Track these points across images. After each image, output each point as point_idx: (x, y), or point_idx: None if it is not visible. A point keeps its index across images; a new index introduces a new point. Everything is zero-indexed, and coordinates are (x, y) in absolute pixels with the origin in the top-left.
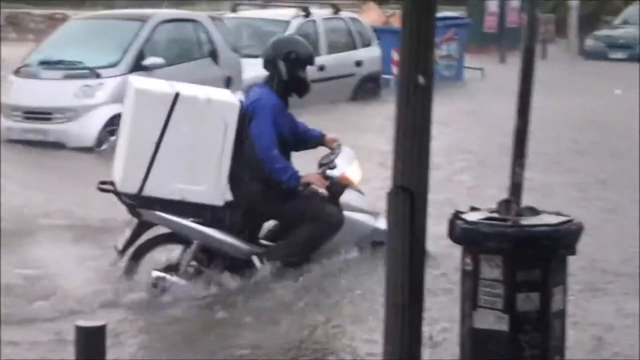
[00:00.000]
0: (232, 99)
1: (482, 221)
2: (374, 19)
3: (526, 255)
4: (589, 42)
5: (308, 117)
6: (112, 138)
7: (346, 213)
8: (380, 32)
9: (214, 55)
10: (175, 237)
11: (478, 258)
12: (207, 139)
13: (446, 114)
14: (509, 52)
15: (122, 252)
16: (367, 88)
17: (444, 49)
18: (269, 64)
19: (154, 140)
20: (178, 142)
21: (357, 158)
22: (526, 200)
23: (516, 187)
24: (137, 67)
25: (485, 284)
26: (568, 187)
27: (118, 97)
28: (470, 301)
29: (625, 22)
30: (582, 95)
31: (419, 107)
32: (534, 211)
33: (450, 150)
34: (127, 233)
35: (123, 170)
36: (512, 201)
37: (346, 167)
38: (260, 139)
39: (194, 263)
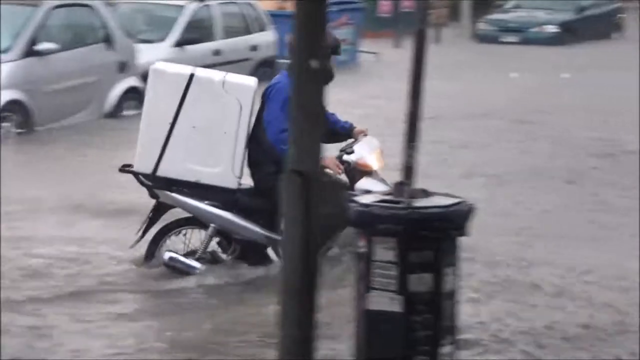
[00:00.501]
0: (248, 80)
1: (375, 204)
2: (269, 3)
3: (418, 237)
4: (482, 26)
5: None
6: (5, 124)
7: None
8: (275, 17)
9: (108, 40)
10: (194, 220)
11: (371, 240)
12: (222, 120)
13: (341, 98)
14: (403, 36)
15: (142, 235)
16: (263, 72)
17: (339, 33)
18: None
19: (169, 121)
20: (193, 123)
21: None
22: (430, 185)
23: (409, 170)
24: (30, 52)
25: (378, 266)
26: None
27: (12, 83)
28: (364, 283)
29: (517, 6)
30: (476, 79)
31: (312, 91)
32: (426, 193)
33: None
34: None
35: (138, 150)
36: (404, 183)
37: (365, 154)
38: (270, 122)
39: (213, 248)
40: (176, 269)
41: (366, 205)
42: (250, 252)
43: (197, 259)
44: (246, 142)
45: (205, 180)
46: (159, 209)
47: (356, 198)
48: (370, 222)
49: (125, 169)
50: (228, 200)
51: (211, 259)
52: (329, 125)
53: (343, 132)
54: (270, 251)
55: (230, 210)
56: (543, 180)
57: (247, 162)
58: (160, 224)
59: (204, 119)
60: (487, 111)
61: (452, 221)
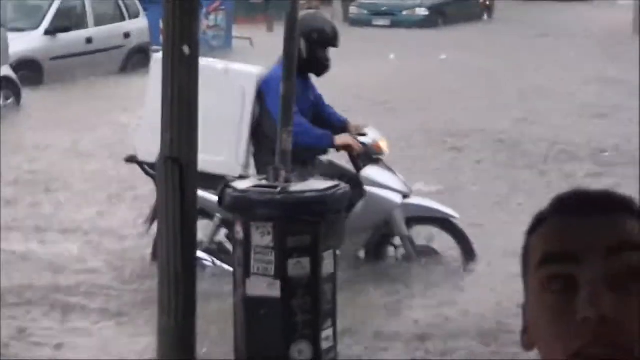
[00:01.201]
0: (251, 68)
1: (251, 189)
2: None
3: (295, 222)
4: (353, 10)
5: (78, 90)
6: None
7: (369, 189)
8: (148, 3)
9: None
10: (199, 211)
11: (249, 226)
12: (225, 108)
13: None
14: (276, 21)
15: (149, 224)
16: (136, 59)
17: (211, 19)
18: (305, 30)
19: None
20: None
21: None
22: None
23: (284, 154)
24: None
25: (257, 251)
26: None
27: None
28: (242, 269)
29: None
30: (348, 62)
31: (186, 77)
32: (303, 177)
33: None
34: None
35: (143, 138)
36: (281, 168)
37: (378, 138)
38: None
39: (219, 239)
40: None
41: (242, 191)
42: None
43: (204, 251)
44: (250, 130)
45: (210, 169)
46: None
47: (232, 184)
48: (247, 207)
49: (130, 158)
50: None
51: (218, 250)
52: (325, 116)
53: (338, 126)
54: None
55: None
56: None
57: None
58: None
59: (208, 107)
60: (357, 94)
61: (329, 205)
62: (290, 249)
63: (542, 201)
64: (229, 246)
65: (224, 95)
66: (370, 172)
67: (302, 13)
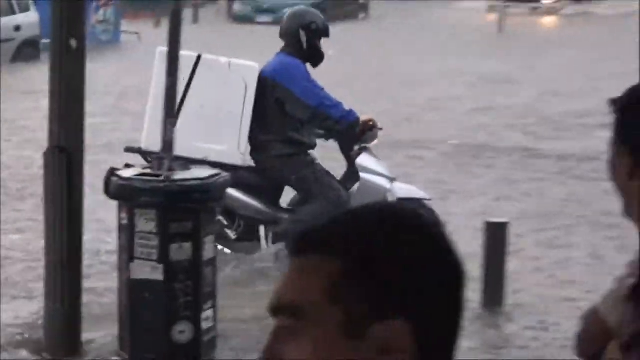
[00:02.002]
0: (252, 63)
1: (135, 177)
2: None
3: (178, 208)
4: (237, 7)
5: None
6: None
7: (363, 175)
8: (38, 0)
9: None
10: None
11: (133, 212)
12: (228, 100)
13: (103, 75)
14: (163, 17)
15: None
16: (27, 52)
17: (100, 14)
18: (289, 33)
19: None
20: (200, 103)
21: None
22: None
23: (168, 144)
24: None
25: (140, 237)
26: None
27: None
28: (126, 254)
29: None
30: (236, 56)
31: (73, 70)
32: (185, 166)
33: (108, 110)
34: None
35: (147, 129)
36: (164, 157)
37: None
38: (305, 91)
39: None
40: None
41: (127, 179)
42: (243, 235)
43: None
44: (250, 121)
45: (212, 157)
46: None
47: (118, 172)
48: (131, 194)
49: (131, 148)
50: (232, 177)
51: (217, 236)
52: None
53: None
54: (262, 238)
55: (234, 187)
56: None
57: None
58: None
59: (211, 99)
60: None
61: (211, 193)
62: (173, 234)
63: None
64: (228, 232)
65: (227, 88)
66: (363, 160)
67: (295, 9)
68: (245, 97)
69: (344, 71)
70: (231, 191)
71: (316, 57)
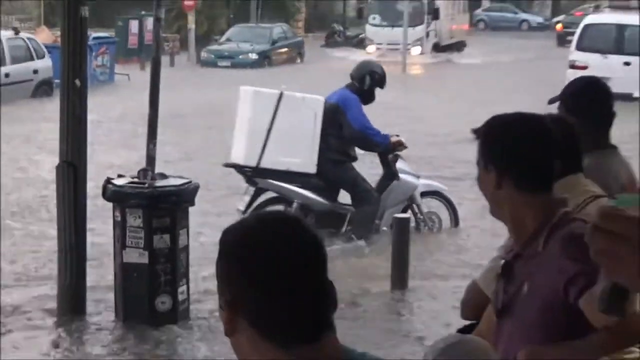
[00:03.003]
0: (319, 97)
1: (126, 185)
2: (46, 38)
3: (158, 208)
4: (203, 54)
5: (4, 112)
6: None
7: (401, 175)
8: (51, 48)
9: None
10: (281, 199)
11: (124, 212)
12: (302, 125)
13: (100, 106)
14: (147, 62)
15: (244, 212)
16: (43, 89)
17: (99, 60)
18: (357, 75)
19: (267, 127)
20: (283, 128)
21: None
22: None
23: (150, 160)
24: None
25: (130, 230)
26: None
27: None
28: (120, 243)
29: (228, 40)
30: (197, 93)
31: (77, 102)
32: (164, 176)
33: (104, 135)
34: (246, 198)
35: (245, 149)
36: (148, 169)
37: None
38: (357, 120)
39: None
40: None
41: (120, 186)
42: (325, 221)
43: None
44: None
45: (293, 168)
46: (257, 193)
47: (112, 181)
48: (123, 198)
49: (229, 163)
50: (306, 182)
51: None
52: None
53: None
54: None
55: (308, 189)
56: None
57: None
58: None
59: (290, 124)
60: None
61: (183, 196)
62: (155, 228)
63: None
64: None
65: (302, 115)
66: (400, 165)
67: (367, 60)
68: (315, 122)
69: None
70: (305, 192)
71: (369, 98)
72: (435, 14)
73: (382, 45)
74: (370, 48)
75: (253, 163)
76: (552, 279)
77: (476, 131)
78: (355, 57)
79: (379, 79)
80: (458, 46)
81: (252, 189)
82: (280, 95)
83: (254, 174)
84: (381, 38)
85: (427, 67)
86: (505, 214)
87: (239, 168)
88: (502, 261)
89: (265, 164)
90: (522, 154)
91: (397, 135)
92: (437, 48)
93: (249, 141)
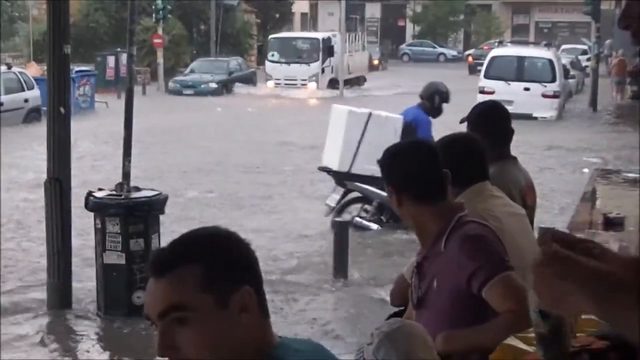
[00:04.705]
0: (398, 116)
1: (105, 197)
2: (35, 71)
3: (133, 216)
4: (170, 84)
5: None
6: None
7: None
8: (40, 80)
9: None
10: (363, 198)
11: (104, 220)
12: (385, 138)
13: (87, 129)
14: (122, 92)
15: (333, 208)
16: (32, 116)
17: (81, 90)
18: (426, 95)
19: (357, 139)
20: (370, 141)
21: None
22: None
23: (126, 175)
24: None
25: (110, 235)
26: (174, 172)
27: None
28: (100, 247)
29: (192, 71)
30: (171, 116)
31: (62, 127)
32: (138, 189)
33: (86, 154)
34: (335, 196)
35: (339, 157)
36: (124, 183)
37: None
38: (425, 136)
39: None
40: (359, 227)
41: (100, 198)
42: (398, 217)
43: (369, 221)
44: None
45: (377, 174)
46: (346, 192)
47: (93, 193)
48: (103, 208)
49: (323, 168)
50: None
51: (376, 221)
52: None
53: None
54: None
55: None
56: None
57: None
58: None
59: (376, 138)
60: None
61: (154, 206)
62: (131, 233)
63: None
64: (383, 218)
65: (385, 130)
66: None
67: (434, 81)
68: (395, 136)
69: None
70: (384, 193)
71: (438, 113)
72: (330, 51)
73: (280, 81)
74: (270, 83)
75: (345, 169)
76: (455, 274)
77: (378, 161)
78: (256, 91)
79: (445, 96)
80: (357, 81)
81: (340, 189)
82: (369, 115)
83: (345, 178)
84: (279, 74)
85: (319, 100)
86: (411, 224)
87: (332, 172)
88: (416, 260)
89: (355, 170)
90: (411, 174)
91: None
92: (334, 83)
93: (343, 151)
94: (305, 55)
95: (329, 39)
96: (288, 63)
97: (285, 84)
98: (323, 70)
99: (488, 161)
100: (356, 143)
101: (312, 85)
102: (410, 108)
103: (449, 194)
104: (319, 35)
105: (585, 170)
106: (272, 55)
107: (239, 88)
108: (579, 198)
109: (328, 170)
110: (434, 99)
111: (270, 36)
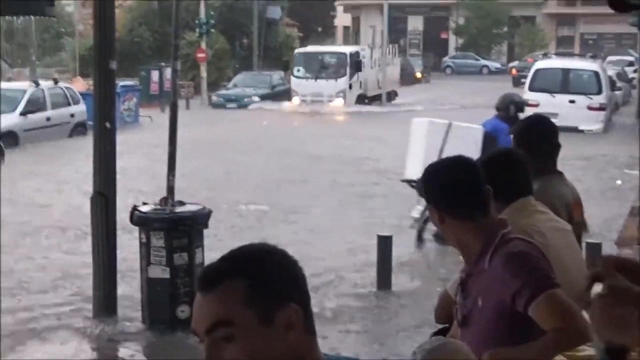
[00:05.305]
0: (478, 127)
1: (150, 211)
2: (81, 86)
3: (177, 230)
4: (214, 98)
5: (42, 150)
6: None
7: None
8: (85, 95)
9: None
10: None
11: (149, 234)
12: (466, 149)
13: (135, 141)
14: (166, 105)
15: (417, 219)
16: (78, 130)
17: (125, 104)
18: (503, 106)
19: (438, 150)
20: (451, 151)
21: None
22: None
23: (170, 189)
24: None
25: (154, 249)
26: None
27: None
28: (145, 260)
29: (235, 85)
30: (215, 129)
31: (107, 142)
32: (182, 203)
33: (130, 168)
34: (419, 207)
35: (421, 168)
36: (168, 198)
37: None
38: (505, 144)
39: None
40: (440, 240)
41: (145, 212)
42: None
43: (434, 235)
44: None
45: None
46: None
47: (138, 208)
48: (147, 222)
49: (405, 179)
50: None
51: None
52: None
53: None
54: None
55: None
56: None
57: None
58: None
59: (457, 148)
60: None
61: (198, 220)
62: (175, 247)
63: None
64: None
65: (466, 141)
66: None
67: (508, 92)
68: (476, 147)
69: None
70: None
71: (514, 123)
72: (357, 66)
73: (306, 97)
74: (295, 99)
75: (414, 177)
76: (499, 292)
77: (418, 181)
78: (281, 107)
79: (520, 105)
80: (388, 96)
81: (423, 200)
82: (450, 125)
83: None
84: (305, 89)
85: (348, 116)
86: (453, 242)
87: (415, 183)
88: (460, 276)
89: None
90: (452, 191)
91: None
92: (363, 99)
93: (424, 162)
94: (332, 70)
95: (356, 53)
96: (314, 78)
97: (312, 101)
98: (350, 86)
99: (532, 176)
100: (437, 153)
101: (338, 101)
102: (488, 119)
103: (492, 210)
104: (346, 49)
105: (618, 182)
106: (298, 70)
107: (265, 104)
108: (627, 212)
109: (411, 182)
110: (509, 109)
111: (296, 51)
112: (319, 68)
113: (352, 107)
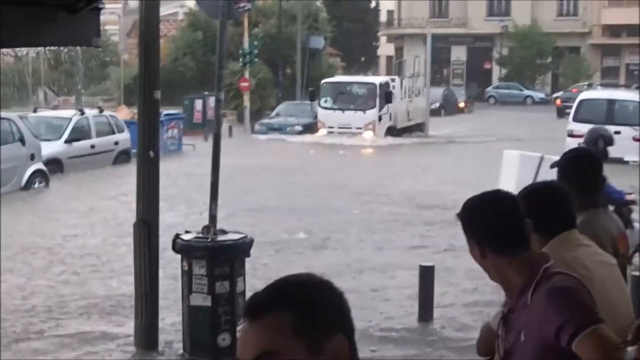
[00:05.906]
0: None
1: (192, 239)
2: (125, 115)
3: (219, 259)
4: (257, 127)
5: (86, 177)
6: None
7: (635, 224)
8: (130, 123)
9: (22, 140)
10: None
11: (191, 262)
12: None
13: (170, 172)
14: (209, 134)
15: None
16: (122, 158)
17: (169, 133)
18: (591, 140)
19: (530, 181)
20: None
21: None
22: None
23: (213, 218)
24: None
25: (196, 278)
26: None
27: None
28: (187, 288)
29: (277, 114)
30: (255, 156)
31: (151, 170)
32: (224, 232)
33: (173, 196)
34: None
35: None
36: (210, 226)
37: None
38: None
39: None
40: None
41: (187, 240)
42: None
43: None
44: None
45: None
46: None
47: (180, 236)
48: (190, 250)
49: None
50: None
51: None
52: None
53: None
54: None
55: None
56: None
57: None
58: None
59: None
60: (263, 167)
61: (240, 249)
62: (217, 275)
63: None
64: None
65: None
66: (633, 215)
67: (597, 126)
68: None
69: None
70: None
71: (604, 156)
72: (387, 97)
73: (333, 129)
74: (322, 131)
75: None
76: (543, 327)
77: (458, 215)
78: (305, 139)
79: (608, 139)
80: (417, 128)
81: None
82: (542, 158)
83: None
84: (332, 121)
85: (379, 148)
86: (495, 277)
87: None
88: (503, 310)
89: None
90: (492, 225)
91: (631, 193)
92: (392, 131)
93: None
94: (360, 101)
95: (386, 83)
96: (342, 110)
97: (339, 132)
98: (380, 118)
99: (576, 209)
100: (529, 182)
101: (367, 134)
102: None
103: (533, 244)
104: (376, 79)
105: None
106: (325, 101)
107: (293, 137)
108: None
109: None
110: (597, 143)
111: (323, 81)
112: (347, 99)
113: (382, 139)
